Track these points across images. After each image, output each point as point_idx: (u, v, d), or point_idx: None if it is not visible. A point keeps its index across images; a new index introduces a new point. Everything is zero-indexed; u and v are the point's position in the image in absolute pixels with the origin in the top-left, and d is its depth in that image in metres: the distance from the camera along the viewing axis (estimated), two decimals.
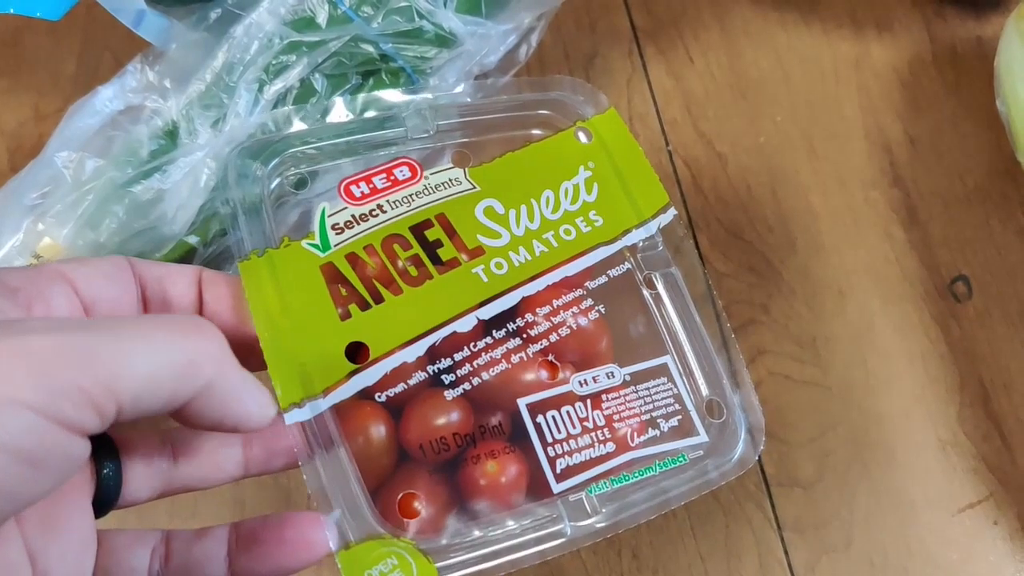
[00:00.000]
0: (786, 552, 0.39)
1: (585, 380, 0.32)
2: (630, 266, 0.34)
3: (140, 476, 0.27)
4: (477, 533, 0.30)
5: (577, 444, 0.31)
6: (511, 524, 0.30)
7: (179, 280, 0.29)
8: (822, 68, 0.47)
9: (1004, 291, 0.43)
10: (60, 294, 0.24)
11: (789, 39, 0.47)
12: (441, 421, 0.31)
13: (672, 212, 0.35)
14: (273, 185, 0.35)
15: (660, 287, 0.34)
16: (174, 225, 0.38)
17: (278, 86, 0.38)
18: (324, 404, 0.29)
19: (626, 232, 0.34)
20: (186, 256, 0.39)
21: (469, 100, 0.38)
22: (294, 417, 0.29)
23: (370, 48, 0.39)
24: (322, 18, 0.39)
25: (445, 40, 0.40)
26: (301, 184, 0.35)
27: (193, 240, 0.39)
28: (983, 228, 0.43)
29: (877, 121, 0.46)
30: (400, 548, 0.28)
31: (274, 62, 0.39)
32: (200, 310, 0.29)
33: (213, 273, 0.29)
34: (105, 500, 0.26)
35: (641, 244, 0.34)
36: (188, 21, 0.40)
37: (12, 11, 0.37)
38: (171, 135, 0.38)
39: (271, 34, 0.39)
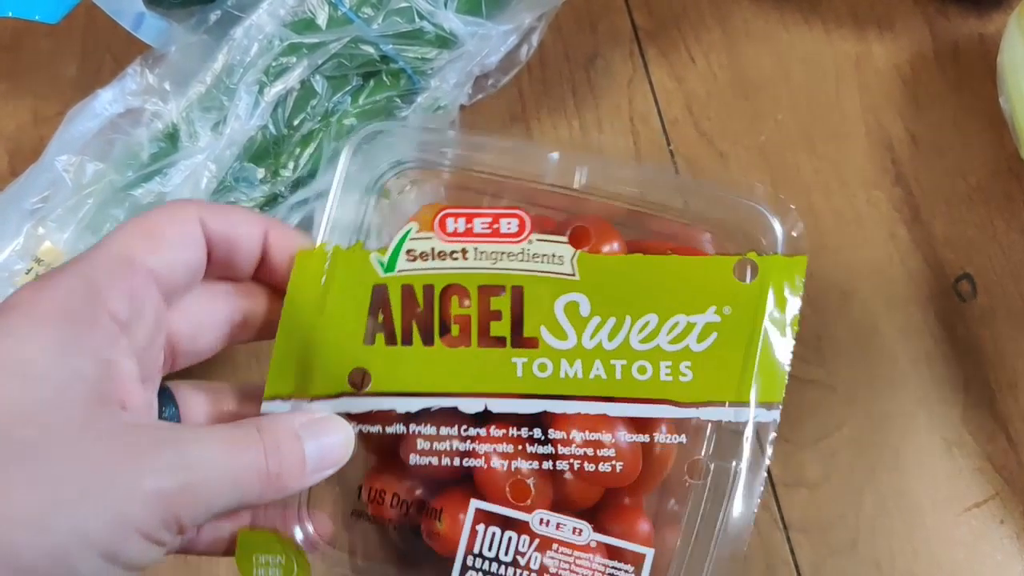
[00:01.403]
0: (792, 553, 0.39)
1: (547, 521, 0.29)
2: (684, 441, 0.30)
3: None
4: None
5: (497, 569, 0.29)
6: None
7: (245, 242, 0.28)
8: (823, 67, 0.46)
9: (1009, 290, 0.42)
10: (149, 300, 0.26)
11: (790, 38, 0.47)
12: (400, 483, 0.31)
13: (776, 414, 0.29)
14: (385, 181, 0.32)
15: (707, 483, 0.30)
16: None
17: (278, 88, 0.38)
18: (306, 408, 0.29)
19: (710, 404, 0.29)
20: None
21: (638, 174, 0.32)
22: (272, 407, 0.29)
23: (370, 49, 0.39)
24: (322, 19, 0.39)
25: (446, 41, 0.40)
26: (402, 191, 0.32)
27: None
28: (987, 227, 0.43)
29: (879, 120, 0.45)
30: (292, 553, 0.29)
31: (274, 64, 0.39)
32: (262, 269, 0.29)
33: (281, 233, 0.29)
34: None
35: (721, 425, 0.29)
36: (188, 23, 0.40)
37: (11, 14, 0.37)
38: (171, 138, 0.38)
39: (271, 36, 0.39)
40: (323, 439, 0.28)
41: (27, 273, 0.37)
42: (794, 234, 0.30)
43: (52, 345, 0.23)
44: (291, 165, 0.39)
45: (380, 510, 0.31)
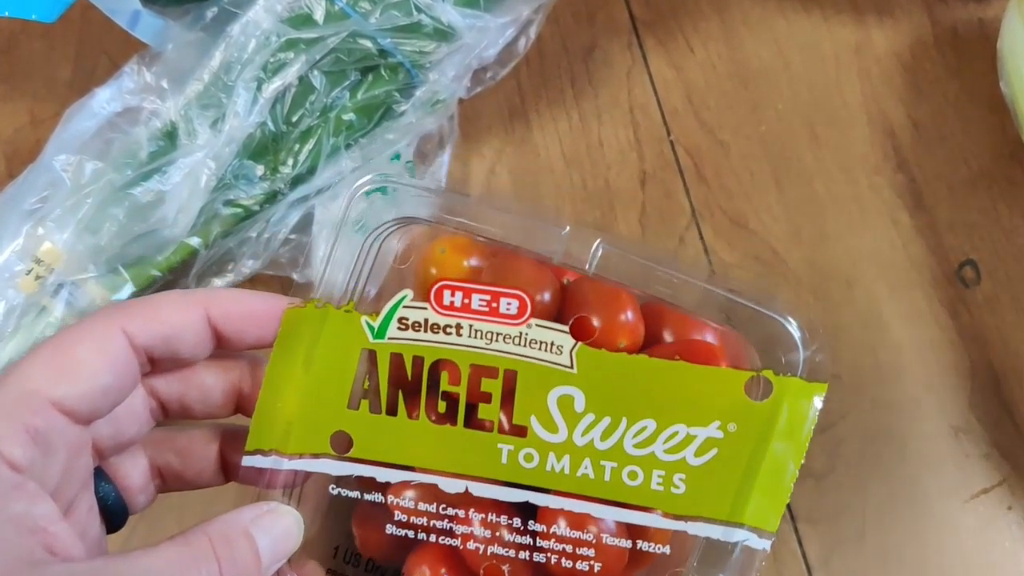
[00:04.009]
0: (800, 544, 0.39)
1: None
2: (668, 552, 0.28)
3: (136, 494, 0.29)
4: None
5: None
6: None
7: (184, 334, 0.27)
8: (823, 54, 0.46)
9: (1012, 275, 0.42)
10: (57, 432, 0.24)
11: (789, 26, 0.47)
12: (375, 548, 0.30)
13: (767, 545, 0.28)
14: (379, 248, 0.30)
15: None
16: (175, 227, 0.38)
17: (276, 84, 0.38)
18: (286, 464, 0.29)
19: (699, 519, 0.28)
20: (188, 259, 0.39)
21: (659, 263, 0.29)
22: (252, 461, 0.29)
23: (368, 44, 0.39)
24: (319, 15, 0.39)
25: (444, 34, 0.39)
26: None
27: (195, 242, 0.39)
28: (990, 212, 0.43)
29: (880, 106, 0.45)
30: None
31: (272, 60, 0.38)
32: (219, 342, 0.28)
33: (220, 309, 0.28)
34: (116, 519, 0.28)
35: (707, 541, 0.28)
36: (184, 21, 0.40)
37: (7, 14, 0.37)
38: (170, 136, 0.38)
39: (268, 32, 0.38)
40: (274, 532, 0.27)
41: (27, 274, 0.37)
42: (817, 359, 0.28)
43: None
44: (290, 162, 0.39)
45: (356, 573, 0.30)
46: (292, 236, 0.41)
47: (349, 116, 0.39)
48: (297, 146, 0.39)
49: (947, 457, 0.40)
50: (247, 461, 0.29)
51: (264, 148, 0.39)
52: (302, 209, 0.40)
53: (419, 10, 0.39)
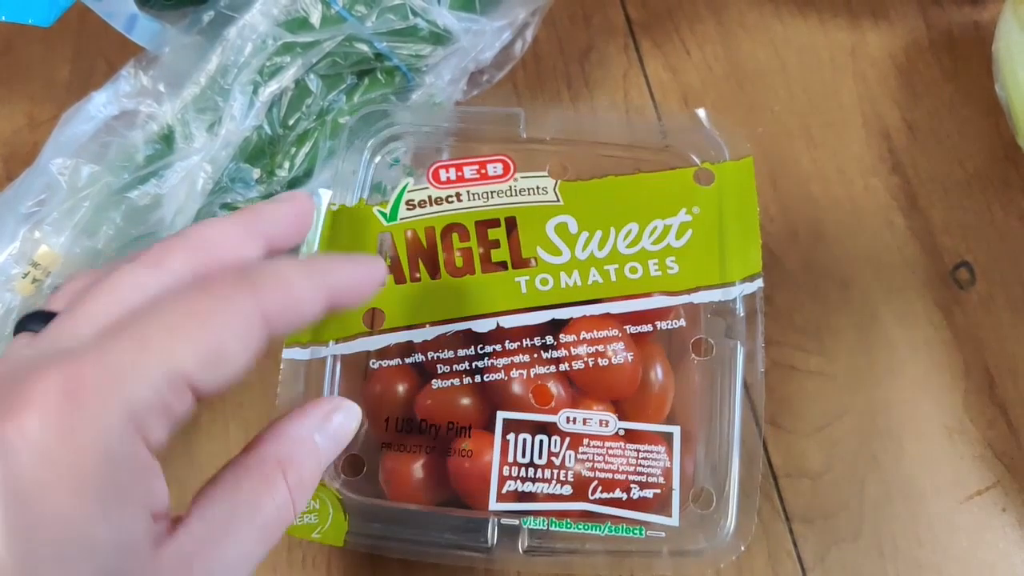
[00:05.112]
0: (795, 543, 0.39)
1: (573, 418, 0.32)
2: (683, 324, 0.33)
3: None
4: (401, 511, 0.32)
5: (534, 474, 0.31)
6: (437, 519, 0.31)
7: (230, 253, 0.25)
8: (819, 57, 0.46)
9: (1007, 276, 0.42)
10: (183, 411, 0.23)
11: (785, 29, 0.47)
12: (416, 402, 0.32)
13: (759, 283, 0.33)
14: (375, 156, 0.35)
15: (712, 356, 0.33)
16: (172, 230, 0.38)
17: (273, 88, 0.38)
18: (326, 352, 0.32)
19: (699, 289, 0.33)
20: None
21: (597, 122, 0.37)
22: (292, 354, 0.31)
23: (365, 47, 0.39)
24: (315, 18, 0.39)
25: (440, 37, 0.39)
26: (396, 162, 0.36)
27: None
28: (984, 214, 0.43)
29: (875, 108, 0.45)
30: (328, 495, 0.30)
31: (268, 64, 0.38)
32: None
33: (269, 215, 0.26)
34: None
35: (713, 305, 0.33)
36: (181, 25, 0.40)
37: (3, 18, 0.37)
38: (167, 139, 0.38)
39: (264, 36, 0.38)
40: (340, 435, 0.26)
41: (24, 277, 0.37)
42: (737, 143, 0.35)
43: (92, 511, 0.20)
44: (287, 165, 0.39)
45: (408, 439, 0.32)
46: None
47: (345, 119, 0.39)
48: (293, 149, 0.39)
49: (942, 458, 0.40)
50: (287, 354, 0.31)
51: (260, 151, 0.39)
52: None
53: (415, 14, 0.39)
